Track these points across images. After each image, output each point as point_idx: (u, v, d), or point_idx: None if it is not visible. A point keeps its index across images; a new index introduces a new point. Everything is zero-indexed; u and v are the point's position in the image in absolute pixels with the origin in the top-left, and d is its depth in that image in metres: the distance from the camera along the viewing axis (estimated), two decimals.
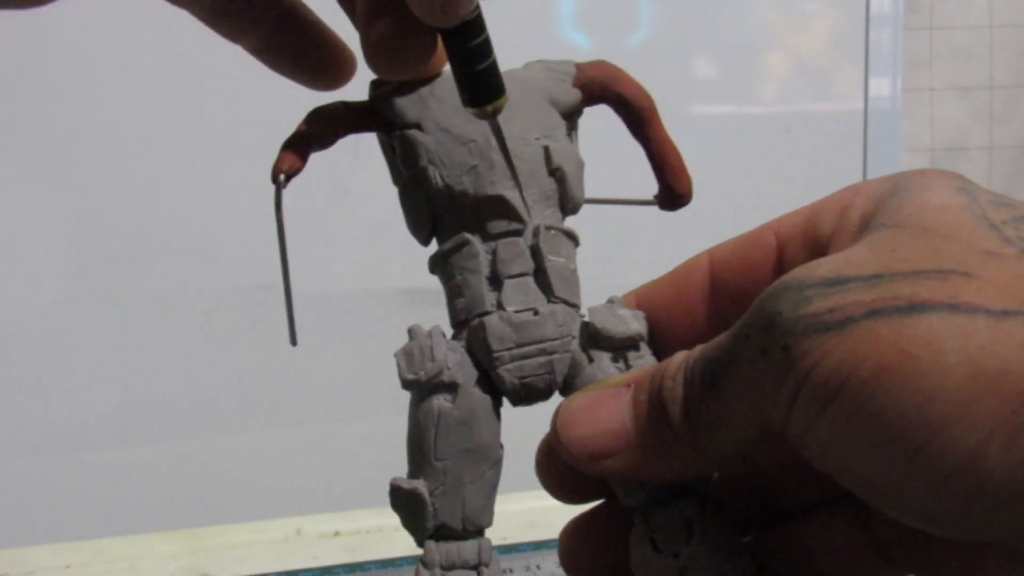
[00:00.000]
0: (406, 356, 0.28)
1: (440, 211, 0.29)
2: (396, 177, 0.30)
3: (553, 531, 0.31)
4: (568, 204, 0.29)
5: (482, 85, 0.26)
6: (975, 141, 1.05)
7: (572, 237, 0.29)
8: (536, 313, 0.28)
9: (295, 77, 0.31)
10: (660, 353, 0.29)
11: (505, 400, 0.29)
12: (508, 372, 0.28)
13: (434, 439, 0.27)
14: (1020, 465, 0.19)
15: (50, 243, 0.79)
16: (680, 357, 0.25)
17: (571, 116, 0.30)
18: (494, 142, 0.28)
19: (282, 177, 0.28)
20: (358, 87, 0.31)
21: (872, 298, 0.21)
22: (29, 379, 0.78)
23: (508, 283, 0.28)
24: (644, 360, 0.28)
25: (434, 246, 0.29)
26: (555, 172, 0.29)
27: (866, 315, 0.20)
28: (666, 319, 0.29)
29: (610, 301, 0.30)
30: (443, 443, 0.27)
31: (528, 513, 0.62)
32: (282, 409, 0.83)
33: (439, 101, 0.29)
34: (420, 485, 0.28)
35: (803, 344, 0.21)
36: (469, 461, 0.28)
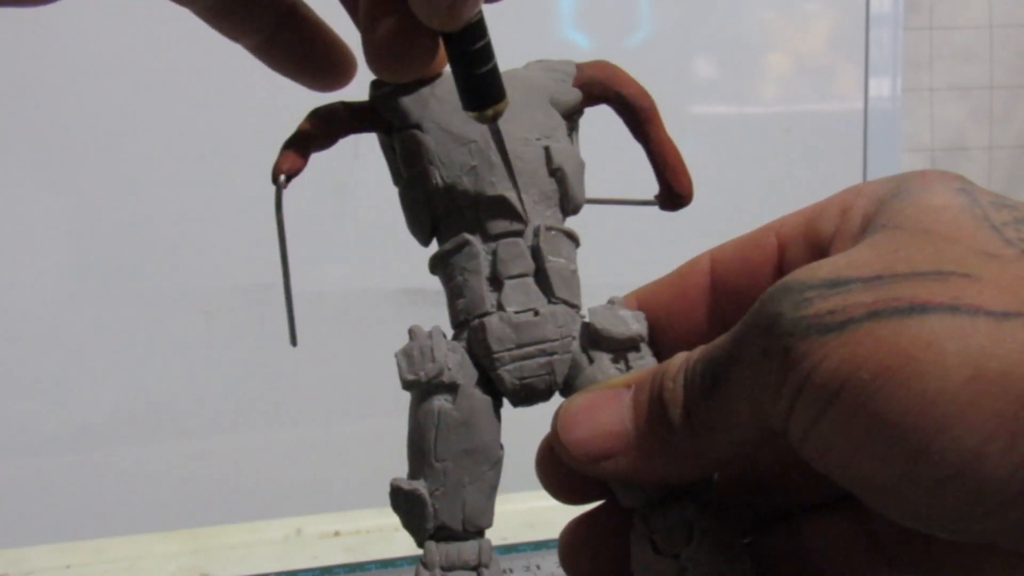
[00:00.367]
0: (406, 357, 0.28)
1: (440, 211, 0.29)
2: (396, 177, 0.30)
3: (553, 531, 0.31)
4: (568, 204, 0.29)
5: (483, 89, 0.26)
6: (975, 141, 1.05)
7: (572, 238, 0.29)
8: (536, 314, 0.28)
9: (296, 77, 0.31)
10: (661, 354, 0.29)
11: (505, 401, 0.29)
12: (508, 373, 0.28)
13: (434, 440, 0.27)
14: (1020, 466, 0.19)
15: (50, 243, 0.79)
16: (680, 358, 0.25)
17: (572, 116, 0.30)
18: (493, 143, 0.28)
19: (282, 178, 0.28)
20: (359, 87, 0.31)
21: (873, 299, 0.21)
22: (29, 379, 0.78)
23: (508, 284, 0.28)
24: (644, 361, 0.28)
25: (434, 247, 0.29)
26: (555, 172, 0.29)
27: (867, 316, 0.20)
28: (667, 320, 0.29)
29: (610, 302, 0.30)
30: (443, 444, 0.27)
31: (528, 513, 0.62)
32: (282, 409, 0.83)
33: (439, 101, 0.29)
34: (420, 486, 0.27)
35: (804, 345, 0.21)
36: (469, 462, 0.28)
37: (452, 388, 0.28)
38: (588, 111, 0.30)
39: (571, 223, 0.30)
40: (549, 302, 0.28)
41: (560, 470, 0.28)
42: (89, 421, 0.79)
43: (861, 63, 0.92)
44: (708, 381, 0.24)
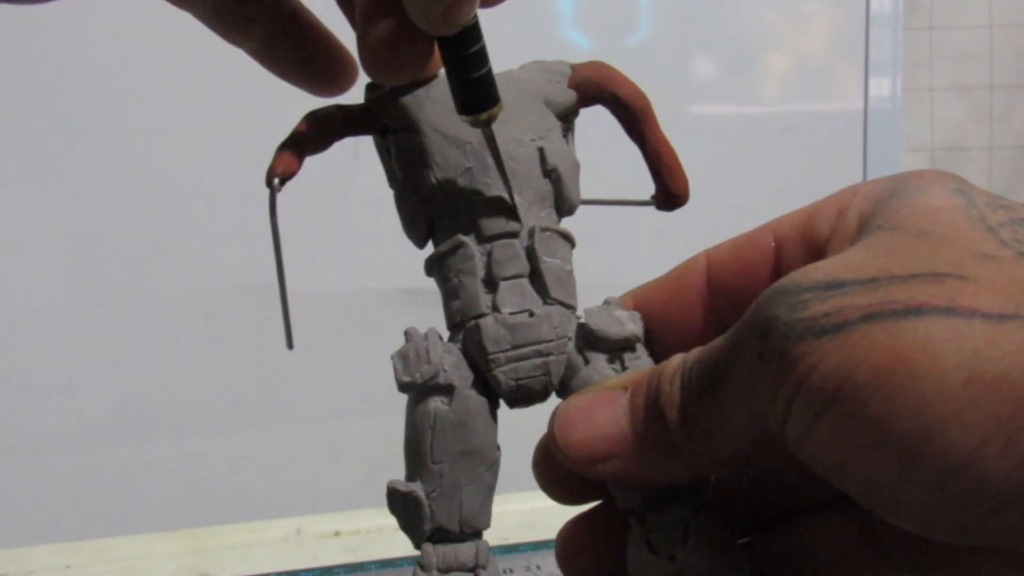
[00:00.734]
0: (402, 358, 0.28)
1: (436, 213, 0.29)
2: (392, 179, 0.30)
3: (553, 531, 0.31)
4: (564, 205, 0.29)
5: (477, 93, 0.26)
6: (975, 141, 1.05)
7: (568, 238, 0.29)
8: (532, 315, 0.28)
9: (296, 82, 0.31)
10: (658, 354, 0.29)
11: (502, 402, 0.29)
12: (504, 374, 0.28)
13: (430, 442, 0.27)
14: (1016, 469, 0.19)
15: (50, 243, 0.79)
16: (677, 360, 0.25)
17: (567, 117, 0.30)
18: (488, 146, 0.28)
19: (276, 181, 0.28)
20: (355, 89, 0.31)
21: (868, 302, 0.21)
22: (29, 379, 0.78)
23: (503, 285, 0.28)
24: (640, 361, 0.28)
25: (430, 248, 0.29)
26: (550, 173, 0.29)
27: (862, 319, 0.20)
28: (664, 320, 0.29)
29: (606, 302, 0.30)
30: (439, 446, 0.27)
31: (528, 513, 0.62)
32: (282, 409, 0.83)
33: (435, 103, 0.29)
34: (417, 488, 0.27)
35: (800, 348, 0.21)
36: (466, 463, 0.28)
37: (448, 390, 0.28)
38: (584, 112, 0.30)
39: (568, 224, 0.30)
40: (544, 303, 0.28)
41: (557, 470, 0.28)
42: (89, 421, 0.79)
43: (861, 63, 0.92)
44: (704, 383, 0.24)
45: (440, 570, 0.27)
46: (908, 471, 0.20)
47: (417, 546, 0.28)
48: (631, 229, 0.72)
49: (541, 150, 0.29)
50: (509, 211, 0.28)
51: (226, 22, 0.30)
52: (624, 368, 0.28)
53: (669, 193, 0.30)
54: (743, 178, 0.88)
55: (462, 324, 0.28)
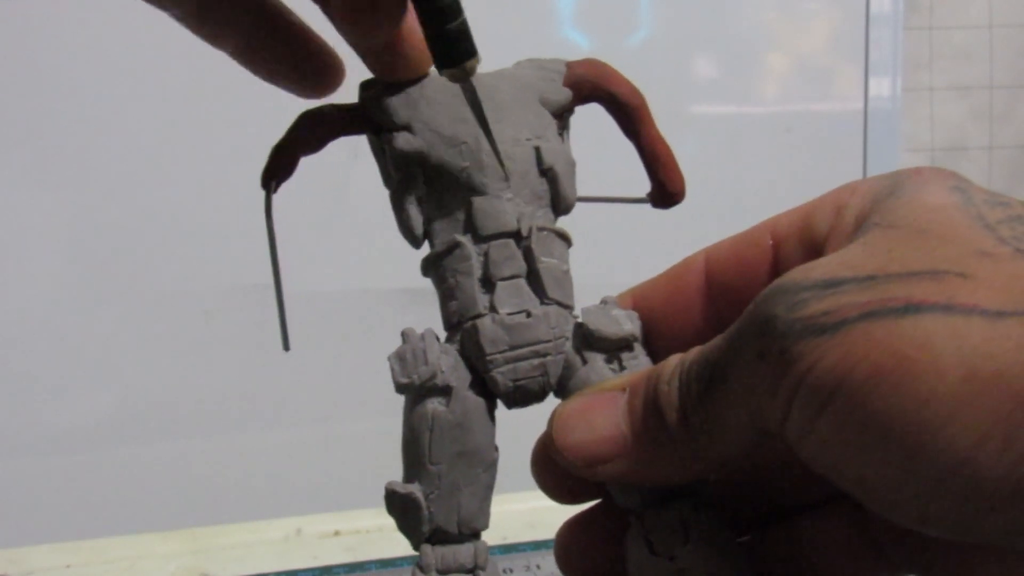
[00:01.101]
0: (399, 360, 0.28)
1: (431, 213, 0.29)
2: (387, 179, 0.30)
3: (553, 531, 0.31)
4: (560, 204, 0.29)
5: (454, 45, 0.25)
6: (975, 141, 1.05)
7: (564, 238, 0.29)
8: (529, 315, 0.28)
9: (281, 83, 0.30)
10: (657, 352, 0.29)
11: (499, 402, 0.29)
12: (502, 375, 0.28)
13: (428, 443, 0.27)
14: (1015, 466, 0.19)
15: (50, 243, 0.79)
16: (675, 360, 0.25)
17: (562, 115, 0.30)
18: (485, 144, 0.28)
19: (272, 182, 0.28)
20: (349, 92, 0.31)
21: (867, 300, 0.21)
22: (29, 379, 0.78)
23: (500, 285, 0.28)
24: (638, 361, 0.28)
25: (426, 248, 0.29)
26: (546, 172, 0.29)
27: (861, 317, 0.20)
28: (662, 319, 0.29)
29: (603, 302, 0.30)
30: (437, 447, 0.27)
31: (528, 513, 0.62)
32: (282, 409, 0.83)
33: (429, 103, 0.28)
34: (415, 489, 0.27)
35: (799, 347, 0.21)
36: (464, 464, 0.28)
37: (446, 391, 0.28)
38: (580, 110, 0.30)
39: (565, 223, 0.30)
40: (542, 303, 0.28)
41: (555, 471, 0.28)
42: (89, 421, 0.79)
43: (861, 63, 0.92)
44: (703, 383, 0.24)
45: (439, 571, 0.27)
46: (907, 468, 0.20)
47: (415, 547, 0.28)
48: (630, 229, 0.72)
49: (537, 149, 0.29)
50: (505, 211, 0.28)
51: (202, 23, 0.29)
52: (622, 368, 0.28)
53: (665, 191, 0.30)
54: (743, 178, 0.88)
55: (459, 325, 0.28)
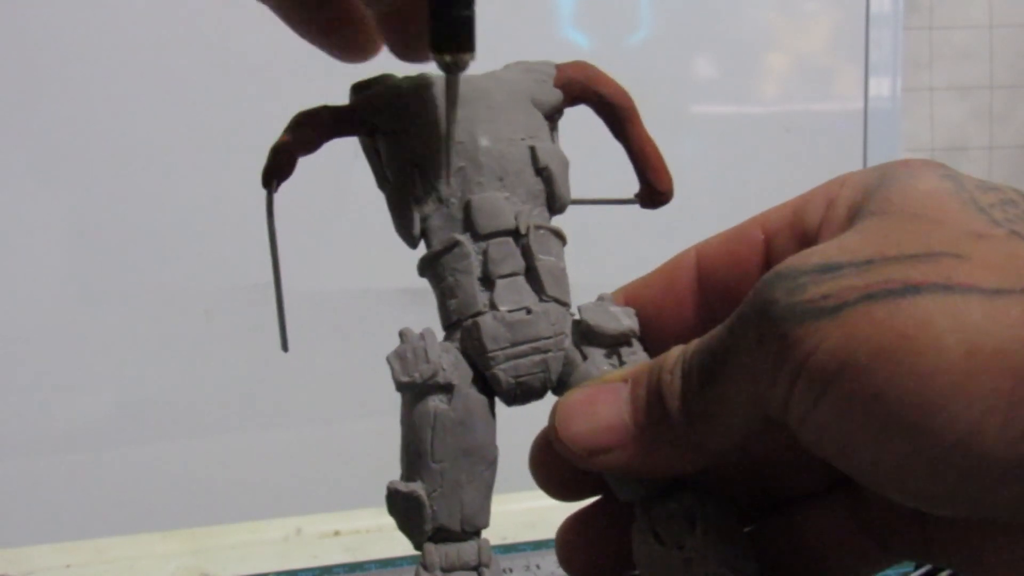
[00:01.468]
0: (399, 359, 0.28)
1: (428, 213, 0.29)
2: (382, 181, 0.30)
3: (553, 530, 0.31)
4: (555, 203, 0.29)
5: (455, 31, 0.25)
6: (975, 141, 1.05)
7: (560, 236, 0.29)
8: (529, 312, 0.28)
9: (320, 42, 0.28)
10: (651, 349, 0.29)
11: (499, 401, 0.29)
12: (503, 372, 0.28)
13: (431, 441, 0.27)
14: (1017, 441, 0.19)
15: (50, 242, 0.79)
16: (677, 351, 0.25)
17: (552, 116, 0.30)
18: (481, 143, 0.28)
19: (273, 182, 0.28)
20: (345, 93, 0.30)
21: (866, 283, 0.21)
22: (29, 379, 0.78)
23: (500, 283, 0.28)
24: (637, 356, 0.28)
25: (423, 248, 0.29)
26: (542, 172, 0.29)
27: (861, 299, 0.21)
28: (655, 315, 0.29)
29: (600, 299, 0.30)
30: (440, 444, 0.27)
31: (528, 513, 0.62)
32: (282, 409, 0.83)
33: (422, 103, 0.29)
34: (418, 488, 0.27)
35: (799, 331, 0.21)
36: (467, 462, 0.28)
37: (448, 388, 0.28)
38: (567, 113, 0.31)
39: (559, 222, 0.30)
40: (541, 300, 0.28)
41: (554, 466, 0.28)
42: (89, 421, 0.79)
43: (861, 63, 0.92)
44: (706, 371, 0.24)
45: (443, 569, 0.27)
46: (911, 447, 0.20)
47: (417, 546, 0.28)
48: (629, 229, 0.72)
49: (532, 149, 0.29)
50: (503, 210, 0.28)
51: None
52: (621, 363, 0.28)
53: (653, 191, 0.31)
54: (743, 178, 0.88)
55: (459, 323, 0.28)
